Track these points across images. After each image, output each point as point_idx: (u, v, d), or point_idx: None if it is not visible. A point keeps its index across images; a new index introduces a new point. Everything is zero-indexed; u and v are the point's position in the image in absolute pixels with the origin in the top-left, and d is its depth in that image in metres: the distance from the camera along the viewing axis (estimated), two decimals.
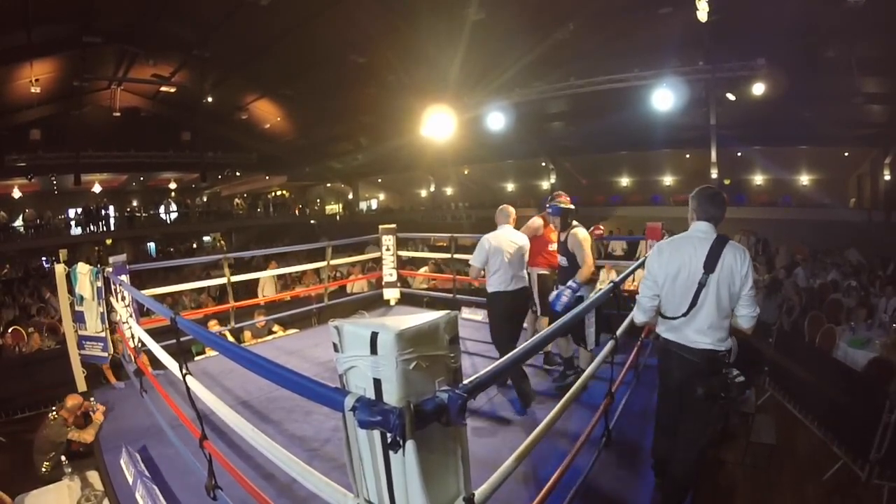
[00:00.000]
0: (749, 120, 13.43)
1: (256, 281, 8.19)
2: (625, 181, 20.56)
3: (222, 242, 23.37)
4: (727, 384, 2.22)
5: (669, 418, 2.49)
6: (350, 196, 25.65)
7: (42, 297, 10.35)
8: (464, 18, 10.40)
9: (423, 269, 8.89)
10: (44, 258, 18.37)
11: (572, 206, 3.87)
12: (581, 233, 3.74)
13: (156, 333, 3.41)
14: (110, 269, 4.31)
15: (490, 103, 12.84)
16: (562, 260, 3.86)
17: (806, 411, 5.04)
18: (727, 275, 2.21)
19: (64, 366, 4.57)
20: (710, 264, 2.20)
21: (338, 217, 25.60)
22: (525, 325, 4.19)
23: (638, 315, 2.44)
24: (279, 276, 9.10)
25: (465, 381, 1.32)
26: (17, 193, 19.08)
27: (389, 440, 1.15)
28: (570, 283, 3.58)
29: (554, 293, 3.63)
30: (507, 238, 3.77)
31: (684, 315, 2.25)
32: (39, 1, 10.56)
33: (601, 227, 4.87)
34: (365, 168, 23.16)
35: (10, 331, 7.19)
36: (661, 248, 2.38)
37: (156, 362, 3.47)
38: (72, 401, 3.71)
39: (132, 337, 4.11)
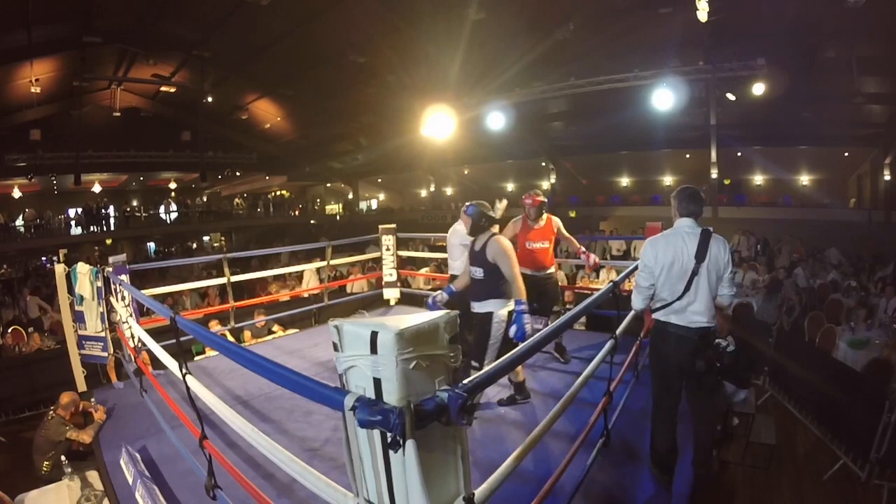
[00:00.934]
0: (749, 120, 13.44)
1: (256, 281, 8.17)
2: (625, 181, 20.55)
3: (223, 242, 23.36)
4: (720, 354, 2.61)
5: (671, 403, 2.71)
6: (350, 196, 25.66)
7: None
8: (464, 18, 10.40)
9: (425, 270, 8.90)
10: (44, 258, 18.37)
11: (493, 216, 3.39)
12: (505, 242, 3.30)
13: (156, 333, 3.41)
14: (110, 269, 4.31)
15: (490, 103, 12.83)
16: (476, 272, 3.34)
17: (806, 411, 5.04)
18: (714, 263, 2.57)
19: (64, 366, 4.57)
20: (701, 255, 2.54)
21: (338, 217, 25.59)
22: None
23: (637, 302, 2.76)
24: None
25: (465, 381, 1.32)
26: (17, 193, 19.09)
27: (389, 440, 1.15)
28: (518, 307, 3.15)
29: (513, 328, 3.14)
30: (451, 232, 4.56)
31: (678, 299, 2.58)
32: (39, 1, 10.56)
33: (592, 260, 4.35)
34: (365, 168, 23.15)
35: (10, 331, 7.19)
36: (654, 242, 2.66)
37: (156, 362, 3.47)
38: (66, 398, 3.71)
39: (132, 337, 4.11)
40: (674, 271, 2.56)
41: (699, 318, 2.57)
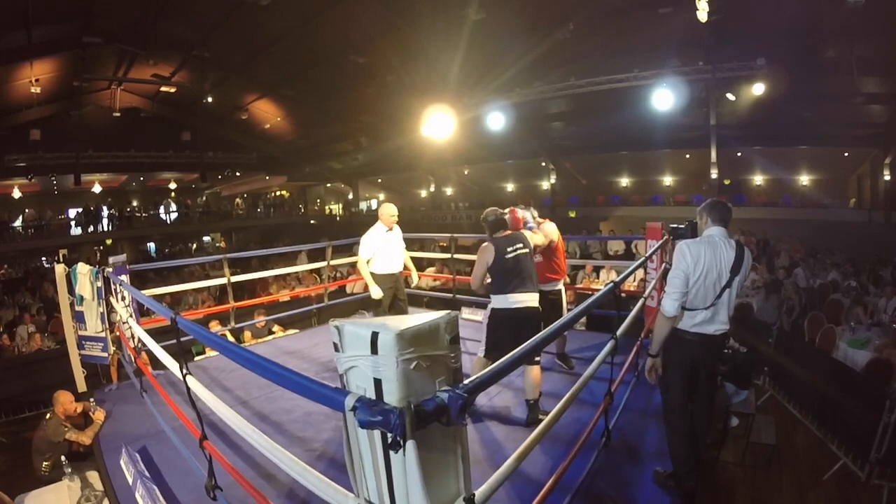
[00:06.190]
0: (749, 120, 13.42)
1: (256, 281, 8.15)
2: (625, 181, 20.54)
3: (223, 243, 23.34)
4: (732, 355, 2.98)
5: (686, 411, 2.67)
6: (350, 196, 25.63)
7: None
8: (464, 18, 10.38)
9: (430, 270, 8.91)
10: (44, 258, 18.36)
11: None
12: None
13: (156, 333, 3.40)
14: (110, 269, 4.31)
15: (490, 103, 12.84)
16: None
17: (806, 411, 5.04)
18: (743, 275, 2.58)
19: (64, 366, 4.57)
20: (736, 269, 2.53)
21: (338, 217, 25.58)
22: None
23: (672, 307, 2.54)
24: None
25: (466, 381, 1.32)
26: (17, 193, 19.07)
27: (390, 440, 1.15)
28: None
29: None
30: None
31: (706, 308, 2.53)
32: (39, 1, 10.55)
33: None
34: (365, 168, 23.14)
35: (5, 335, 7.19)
36: (690, 248, 2.54)
37: (156, 362, 3.47)
38: (62, 397, 3.71)
39: (132, 337, 4.11)
40: (709, 281, 2.51)
41: (723, 326, 2.59)
